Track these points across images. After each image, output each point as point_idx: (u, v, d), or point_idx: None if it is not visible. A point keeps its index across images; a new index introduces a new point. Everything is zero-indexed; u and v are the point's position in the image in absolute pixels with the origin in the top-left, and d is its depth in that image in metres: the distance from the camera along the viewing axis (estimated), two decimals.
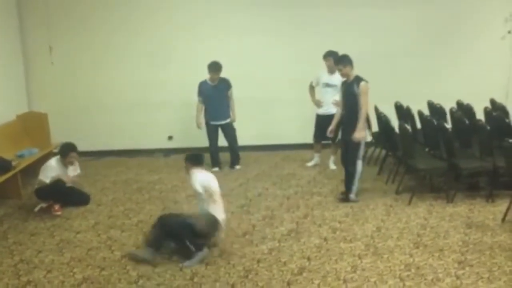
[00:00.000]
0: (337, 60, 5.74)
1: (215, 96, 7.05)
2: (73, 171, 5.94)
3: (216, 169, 7.17)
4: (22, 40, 7.92)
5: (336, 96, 6.62)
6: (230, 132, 7.24)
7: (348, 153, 5.74)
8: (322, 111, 6.95)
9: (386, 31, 8.10)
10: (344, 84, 5.75)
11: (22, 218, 5.48)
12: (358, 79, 5.54)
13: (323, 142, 7.14)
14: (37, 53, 7.99)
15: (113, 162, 7.91)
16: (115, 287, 3.92)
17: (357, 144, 5.61)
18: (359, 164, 5.70)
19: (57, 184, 5.59)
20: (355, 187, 5.75)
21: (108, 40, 8.06)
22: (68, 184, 5.81)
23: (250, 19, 8.03)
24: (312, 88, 7.07)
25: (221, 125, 7.20)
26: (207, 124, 7.20)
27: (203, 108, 7.16)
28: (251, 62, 7.92)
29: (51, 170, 5.66)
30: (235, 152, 7.34)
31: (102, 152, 8.15)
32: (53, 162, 5.75)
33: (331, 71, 6.75)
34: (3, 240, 4.91)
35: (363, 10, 8.07)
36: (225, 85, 7.12)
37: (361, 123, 5.53)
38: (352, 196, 5.74)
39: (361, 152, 5.70)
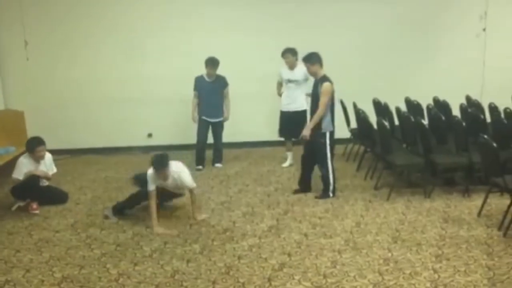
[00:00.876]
0: (305, 58, 5.72)
1: (211, 92, 7.05)
2: (50, 170, 5.85)
3: (200, 167, 7.17)
4: None
5: (298, 90, 6.86)
6: (219, 130, 7.25)
7: (317, 156, 5.79)
8: (285, 108, 7.03)
9: (362, 28, 8.21)
10: (314, 83, 5.79)
11: None
12: (323, 79, 5.58)
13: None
14: (12, 48, 7.86)
15: (91, 160, 7.83)
16: (95, 286, 3.89)
17: (322, 145, 5.67)
18: (329, 163, 5.74)
19: (32, 181, 5.50)
20: (330, 185, 5.81)
21: (85, 35, 7.97)
22: (44, 183, 5.73)
23: (231, 14, 8.07)
24: (279, 84, 7.15)
25: (213, 123, 7.18)
26: (200, 120, 7.17)
27: (197, 103, 7.13)
28: (232, 58, 7.92)
29: (23, 167, 5.56)
30: (219, 150, 7.33)
31: (80, 150, 8.06)
32: (23, 158, 5.65)
33: (291, 67, 6.86)
34: None
35: (337, 6, 8.15)
36: (222, 82, 7.12)
37: (312, 122, 5.62)
38: (330, 193, 5.81)
39: (328, 150, 5.71)
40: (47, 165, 5.80)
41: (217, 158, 7.33)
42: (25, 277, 4.04)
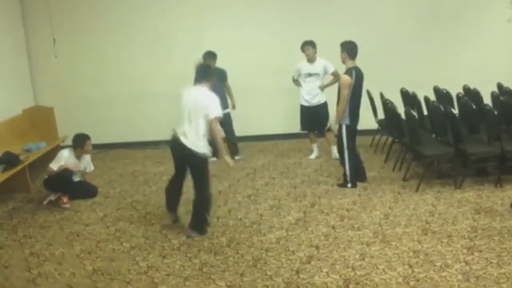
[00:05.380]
0: (341, 43, 5.66)
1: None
2: (88, 168, 6.02)
3: (214, 159, 7.18)
4: (26, 33, 7.95)
5: (318, 84, 6.80)
6: (227, 122, 7.21)
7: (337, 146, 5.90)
8: (306, 103, 6.93)
9: (390, 16, 8.05)
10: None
11: (31, 212, 5.53)
12: (345, 72, 5.56)
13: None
14: (41, 46, 8.01)
15: (119, 155, 7.94)
16: (125, 278, 3.95)
17: (339, 137, 5.72)
18: (346, 154, 5.72)
19: (65, 175, 5.62)
20: (347, 176, 5.78)
21: (111, 31, 8.06)
22: (76, 178, 5.85)
23: (248, 9, 8.03)
24: (296, 81, 7.03)
25: None
26: None
27: None
28: (257, 53, 7.92)
29: (63, 159, 5.69)
30: (232, 143, 7.31)
31: (108, 145, 8.17)
32: (66, 152, 5.79)
33: (310, 60, 6.76)
34: (13, 233, 4.95)
35: None
36: (221, 76, 7.04)
37: (336, 116, 5.63)
38: (348, 185, 5.79)
39: (345, 141, 5.68)
40: (85, 163, 5.95)
41: (234, 151, 7.28)
42: (57, 270, 4.13)
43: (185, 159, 4.57)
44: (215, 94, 6.47)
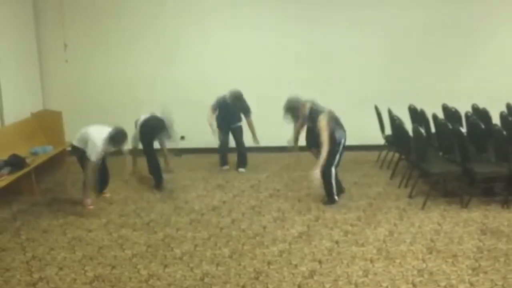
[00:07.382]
0: (286, 108, 5.80)
1: (231, 111, 7.11)
2: None
3: (226, 167, 7.33)
4: (38, 37, 8.01)
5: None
6: (238, 135, 7.28)
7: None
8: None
9: (399, 32, 8.04)
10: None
11: (35, 215, 5.53)
12: (319, 115, 5.55)
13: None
14: (51, 50, 8.06)
15: (125, 161, 7.91)
16: (125, 286, 3.93)
17: (331, 152, 5.53)
18: (333, 171, 5.66)
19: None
20: (333, 188, 5.72)
21: (121, 37, 8.13)
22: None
23: (259, 15, 8.06)
24: None
25: (232, 128, 7.25)
26: (219, 127, 7.23)
27: (214, 116, 7.16)
28: (263, 60, 7.96)
29: (96, 149, 5.56)
30: (242, 155, 7.34)
31: (115, 151, 8.16)
32: (99, 142, 5.62)
33: None
34: (16, 236, 4.95)
35: (374, 9, 8.01)
36: (244, 107, 7.06)
37: (322, 160, 5.45)
38: (335, 198, 5.74)
39: (336, 159, 5.65)
40: None
41: (241, 163, 7.31)
42: (58, 275, 4.12)
43: None
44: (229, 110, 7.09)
